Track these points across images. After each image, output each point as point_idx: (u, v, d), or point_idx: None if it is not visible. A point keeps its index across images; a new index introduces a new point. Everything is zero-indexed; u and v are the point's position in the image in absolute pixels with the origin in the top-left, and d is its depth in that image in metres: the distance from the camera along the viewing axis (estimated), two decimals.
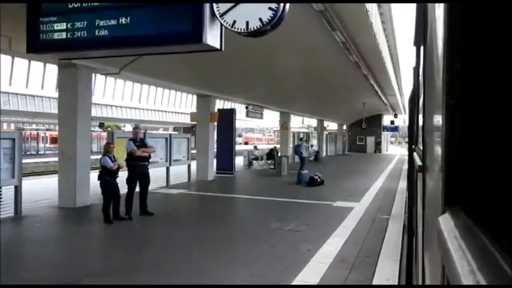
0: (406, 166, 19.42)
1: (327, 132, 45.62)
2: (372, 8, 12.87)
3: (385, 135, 49.53)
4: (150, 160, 7.86)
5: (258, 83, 16.35)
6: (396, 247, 6.01)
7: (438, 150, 0.81)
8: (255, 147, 21.20)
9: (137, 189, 8.04)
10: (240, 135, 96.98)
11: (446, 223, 0.60)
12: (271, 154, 20.27)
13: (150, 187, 11.66)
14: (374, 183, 14.17)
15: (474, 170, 0.60)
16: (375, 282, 4.57)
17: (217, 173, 16.13)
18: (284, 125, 23.51)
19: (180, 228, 7.36)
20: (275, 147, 21.44)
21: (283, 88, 18.59)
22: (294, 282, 4.50)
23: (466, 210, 0.59)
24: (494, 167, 0.54)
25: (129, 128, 71.87)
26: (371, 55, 17.36)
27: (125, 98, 40.07)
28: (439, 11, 0.80)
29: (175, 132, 69.11)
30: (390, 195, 11.55)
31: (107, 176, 7.16)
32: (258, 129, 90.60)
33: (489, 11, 0.55)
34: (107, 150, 7.24)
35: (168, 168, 12.37)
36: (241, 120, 63.17)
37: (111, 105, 44.08)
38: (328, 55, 15.02)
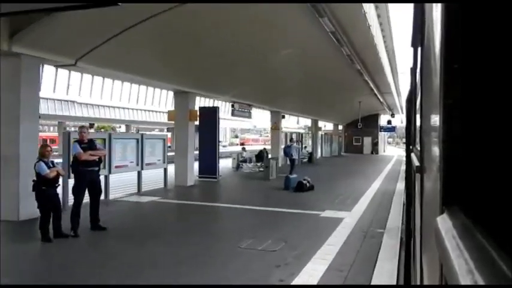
0: (403, 167, 18.29)
1: (323, 133, 44.57)
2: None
3: (382, 136, 48.36)
4: (111, 164, 6.71)
5: (245, 80, 15.15)
6: (391, 276, 4.80)
7: (436, 150, 0.81)
8: (243, 149, 19.97)
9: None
10: (236, 136, 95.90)
11: (444, 223, 0.60)
12: (260, 156, 19.05)
13: (118, 194, 10.63)
14: (369, 188, 12.98)
15: (472, 170, 0.61)
16: None
17: (199, 177, 14.91)
18: (275, 125, 22.30)
19: (134, 247, 6.13)
20: (265, 148, 20.23)
21: (273, 86, 17.42)
22: None
23: (464, 210, 0.59)
24: (492, 167, 0.56)
25: (124, 129, 71.03)
26: (365, 49, 16.23)
27: (115, 97, 38.69)
28: (436, 12, 0.80)
29: (168, 133, 68.13)
30: (386, 201, 10.35)
31: (43, 186, 5.93)
32: (255, 130, 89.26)
33: (486, 11, 0.56)
34: (42, 154, 6.01)
35: (139, 173, 11.13)
36: (236, 121, 62.26)
37: (104, 106, 42.82)
38: (320, 48, 13.87)
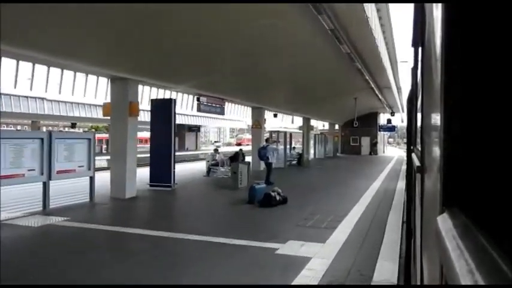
0: (404, 167, 15.47)
1: (318, 132, 41.66)
2: None
3: (382, 136, 45.43)
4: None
5: (216, 67, 12.29)
6: None
7: (436, 151, 0.81)
8: (216, 150, 17.09)
9: None
10: (235, 136, 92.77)
11: (444, 223, 0.60)
12: (235, 158, 16.18)
13: (16, 213, 7.71)
14: (358, 201, 10.08)
15: (472, 170, 0.61)
16: None
17: (150, 185, 12.04)
18: (256, 122, 19.41)
19: None
20: (241, 149, 17.36)
21: (253, 77, 14.54)
22: None
23: (464, 210, 0.59)
24: (492, 167, 0.56)
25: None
26: (364, 44, 13.48)
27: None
28: (437, 11, 0.80)
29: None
30: (378, 223, 7.47)
31: None
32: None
33: (486, 11, 0.56)
34: None
35: (45, 184, 8.24)
36: (234, 121, 59.20)
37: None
38: (314, 40, 11.18)
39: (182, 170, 19.58)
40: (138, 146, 11.34)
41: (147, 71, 10.48)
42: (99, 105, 39.19)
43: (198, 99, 14.26)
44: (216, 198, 11.02)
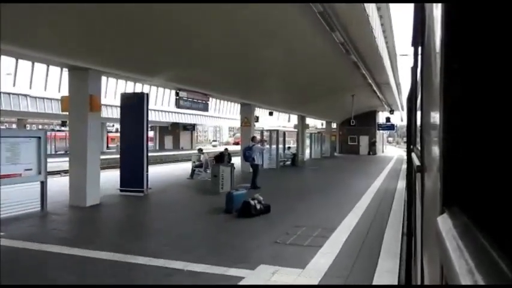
0: (404, 166, 14.25)
1: (315, 131, 40.38)
2: None
3: (381, 135, 44.16)
4: None
5: (195, 56, 11.01)
6: None
7: (436, 150, 0.80)
8: (200, 150, 15.77)
9: None
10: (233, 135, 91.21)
11: (444, 223, 0.60)
12: (221, 159, 14.91)
13: None
14: (352, 209, 8.83)
15: (472, 170, 0.61)
16: None
17: (121, 190, 10.78)
18: (245, 120, 18.14)
19: None
20: (226, 149, 16.08)
21: (241, 69, 13.29)
22: None
23: (464, 210, 0.59)
24: (492, 167, 0.56)
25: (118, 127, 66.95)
26: (359, 32, 12.25)
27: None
28: (437, 11, 0.80)
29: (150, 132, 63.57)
30: (372, 242, 6.21)
31: None
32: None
33: (486, 11, 0.56)
34: None
35: None
36: (230, 119, 57.81)
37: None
38: (305, 30, 9.94)
39: (169, 171, 18.33)
40: None
41: (109, 59, 9.19)
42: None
43: (176, 94, 12.96)
44: (191, 206, 9.75)
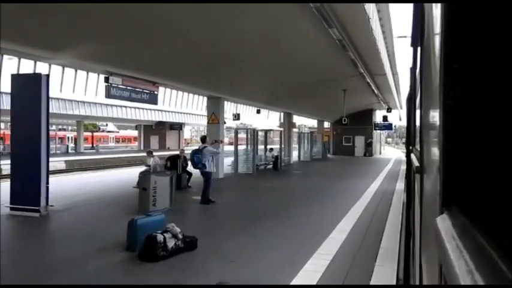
0: (403, 166, 11.42)
1: (308, 130, 37.43)
2: None
3: (378, 135, 41.22)
4: None
5: (138, 29, 8.10)
6: None
7: (436, 151, 0.80)
8: (149, 153, 12.70)
9: None
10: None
11: (444, 223, 0.60)
12: (174, 164, 11.95)
13: None
14: (321, 244, 5.86)
15: (472, 170, 0.61)
16: None
17: (11, 208, 7.81)
18: (213, 116, 15.16)
19: None
20: (182, 151, 13.10)
21: (202, 50, 10.40)
22: None
23: (463, 210, 0.59)
24: (492, 167, 0.56)
25: (111, 127, 64.01)
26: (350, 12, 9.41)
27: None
28: (436, 11, 0.80)
29: (130, 132, 60.30)
30: None
31: None
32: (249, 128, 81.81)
33: (486, 11, 0.56)
34: None
35: None
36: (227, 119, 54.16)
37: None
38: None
39: (118, 177, 15.36)
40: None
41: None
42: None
43: (106, 80, 9.94)
44: (95, 234, 6.71)
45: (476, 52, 0.58)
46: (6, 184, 9.13)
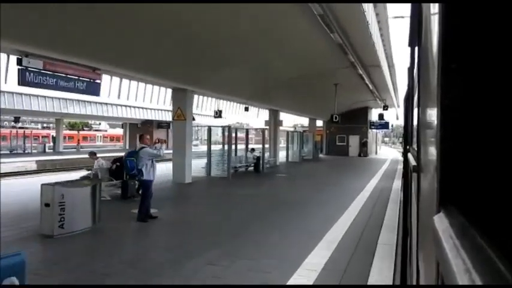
0: (401, 167, 10.25)
1: (300, 130, 35.31)
2: None
3: (374, 134, 39.18)
4: None
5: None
6: None
7: (433, 150, 0.79)
8: (93, 154, 10.48)
9: None
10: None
11: (441, 222, 0.59)
12: (118, 169, 9.80)
13: None
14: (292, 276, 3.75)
15: (469, 169, 0.60)
16: None
17: None
18: (179, 112, 13.02)
19: None
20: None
21: (174, 35, 8.30)
22: None
23: (461, 209, 0.59)
24: (489, 166, 0.56)
25: (104, 125, 61.71)
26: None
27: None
28: (433, 11, 0.79)
29: (119, 130, 57.90)
30: None
31: None
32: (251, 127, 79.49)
33: (484, 11, 0.56)
34: None
35: None
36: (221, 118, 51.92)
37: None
38: None
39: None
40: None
41: None
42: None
43: (19, 62, 7.75)
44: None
45: (474, 52, 0.58)
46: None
